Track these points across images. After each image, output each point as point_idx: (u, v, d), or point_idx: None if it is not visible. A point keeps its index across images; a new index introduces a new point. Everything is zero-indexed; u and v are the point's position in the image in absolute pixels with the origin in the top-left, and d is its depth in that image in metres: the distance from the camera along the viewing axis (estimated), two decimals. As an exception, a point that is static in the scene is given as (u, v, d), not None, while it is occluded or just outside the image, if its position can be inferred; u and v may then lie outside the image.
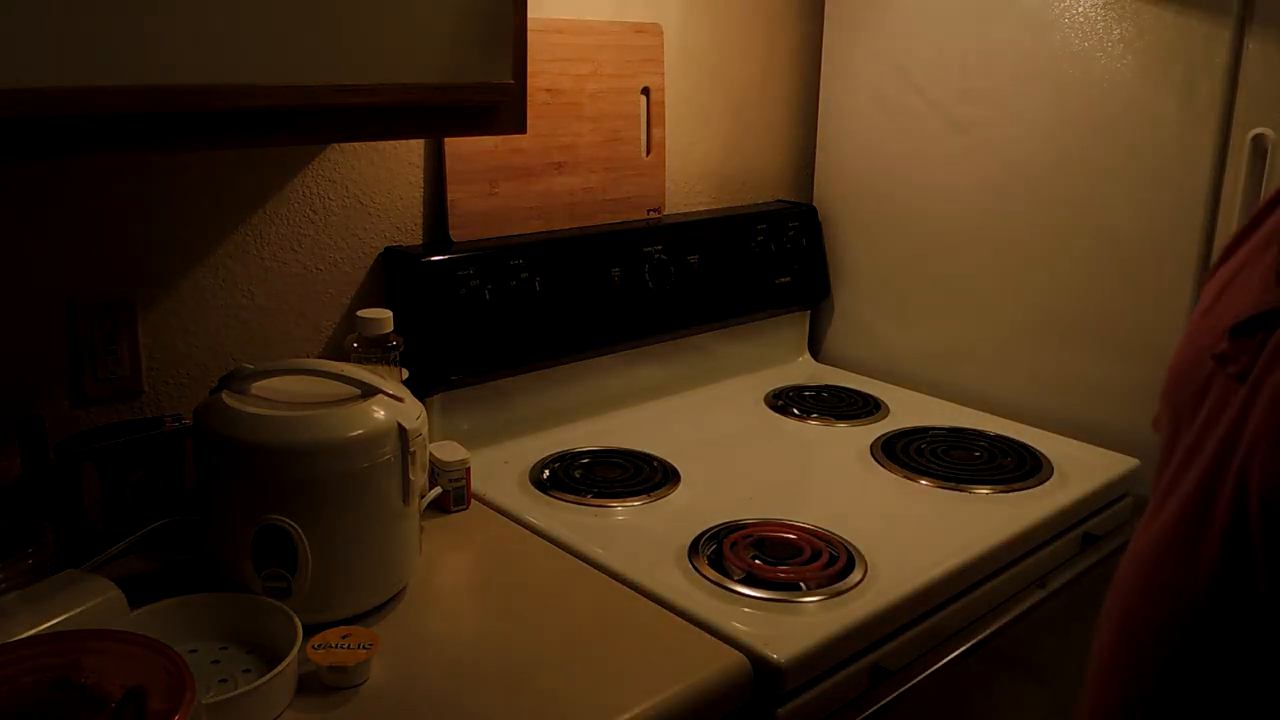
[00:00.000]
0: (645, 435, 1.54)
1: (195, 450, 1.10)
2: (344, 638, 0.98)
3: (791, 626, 1.07)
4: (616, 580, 1.15)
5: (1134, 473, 1.49)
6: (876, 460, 1.47)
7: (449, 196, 1.45)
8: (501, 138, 1.47)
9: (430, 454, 1.26)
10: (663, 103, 1.68)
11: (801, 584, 1.14)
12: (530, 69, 1.12)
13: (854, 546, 1.22)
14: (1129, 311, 1.51)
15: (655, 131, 1.68)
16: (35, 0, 0.80)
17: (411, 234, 1.46)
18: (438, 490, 1.29)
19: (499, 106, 1.10)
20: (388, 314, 1.26)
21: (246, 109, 0.93)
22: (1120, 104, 1.47)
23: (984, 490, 1.40)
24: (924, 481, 1.42)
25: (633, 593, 1.13)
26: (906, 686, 1.15)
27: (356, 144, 1.37)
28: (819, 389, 1.78)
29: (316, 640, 0.97)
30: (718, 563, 1.17)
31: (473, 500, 1.33)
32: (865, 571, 1.17)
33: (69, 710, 0.72)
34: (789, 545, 1.21)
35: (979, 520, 1.32)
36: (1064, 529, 1.39)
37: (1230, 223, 1.41)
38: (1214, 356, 0.62)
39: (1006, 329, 1.66)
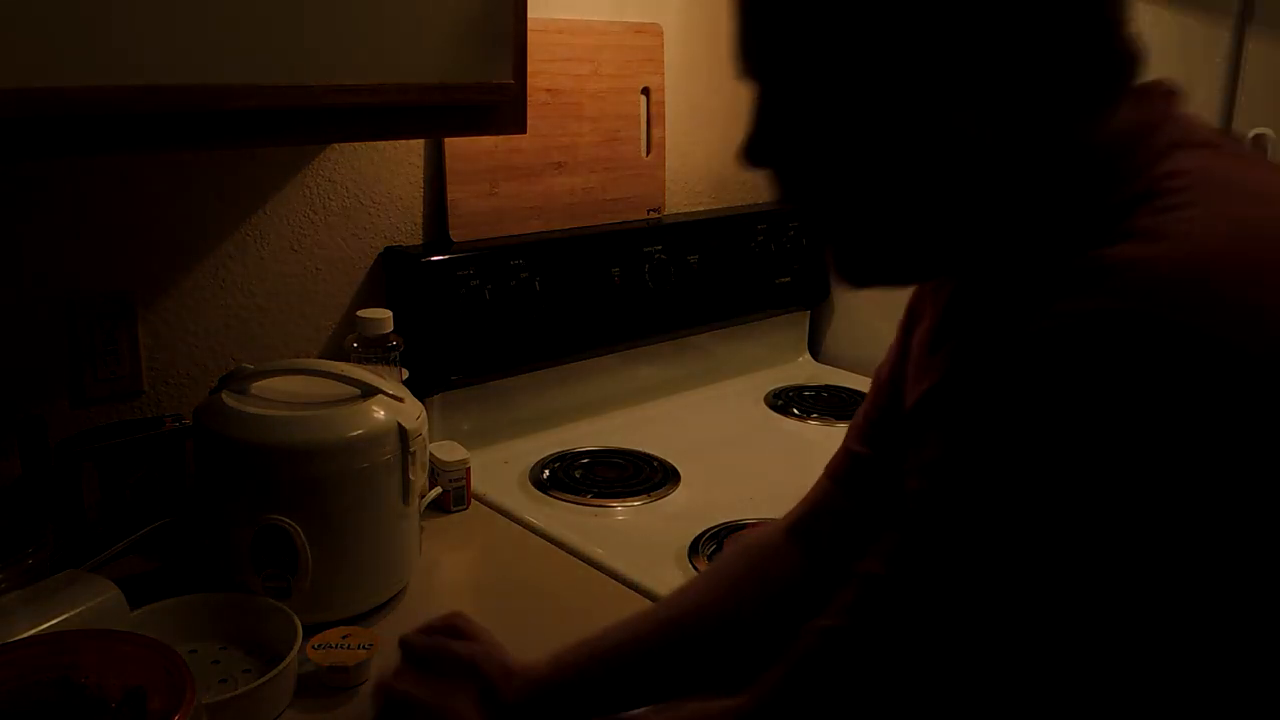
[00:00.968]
0: (645, 435, 1.54)
1: (195, 450, 1.10)
2: (344, 638, 0.98)
3: (791, 626, 1.07)
4: (616, 580, 1.15)
5: (1134, 473, 1.49)
6: (876, 460, 1.47)
7: (449, 196, 1.45)
8: (501, 138, 1.46)
9: (430, 454, 1.26)
10: (663, 103, 1.68)
11: (801, 584, 1.14)
12: (530, 69, 1.12)
13: (854, 546, 1.22)
14: (1129, 311, 1.51)
15: (655, 131, 1.68)
16: (35, 0, 0.80)
17: (411, 234, 1.46)
18: (438, 490, 1.29)
19: (499, 106, 1.10)
20: (388, 314, 1.26)
21: (246, 109, 0.93)
22: (1120, 104, 1.47)
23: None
24: (924, 481, 1.42)
25: (633, 593, 1.13)
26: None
27: (356, 144, 1.37)
28: (819, 389, 1.78)
29: (316, 640, 0.97)
30: (718, 563, 1.17)
31: (473, 500, 1.33)
32: (865, 571, 1.17)
33: (69, 710, 0.72)
34: (789, 545, 1.21)
35: (979, 520, 1.31)
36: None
37: (1230, 223, 1.41)
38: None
39: (1006, 329, 1.66)
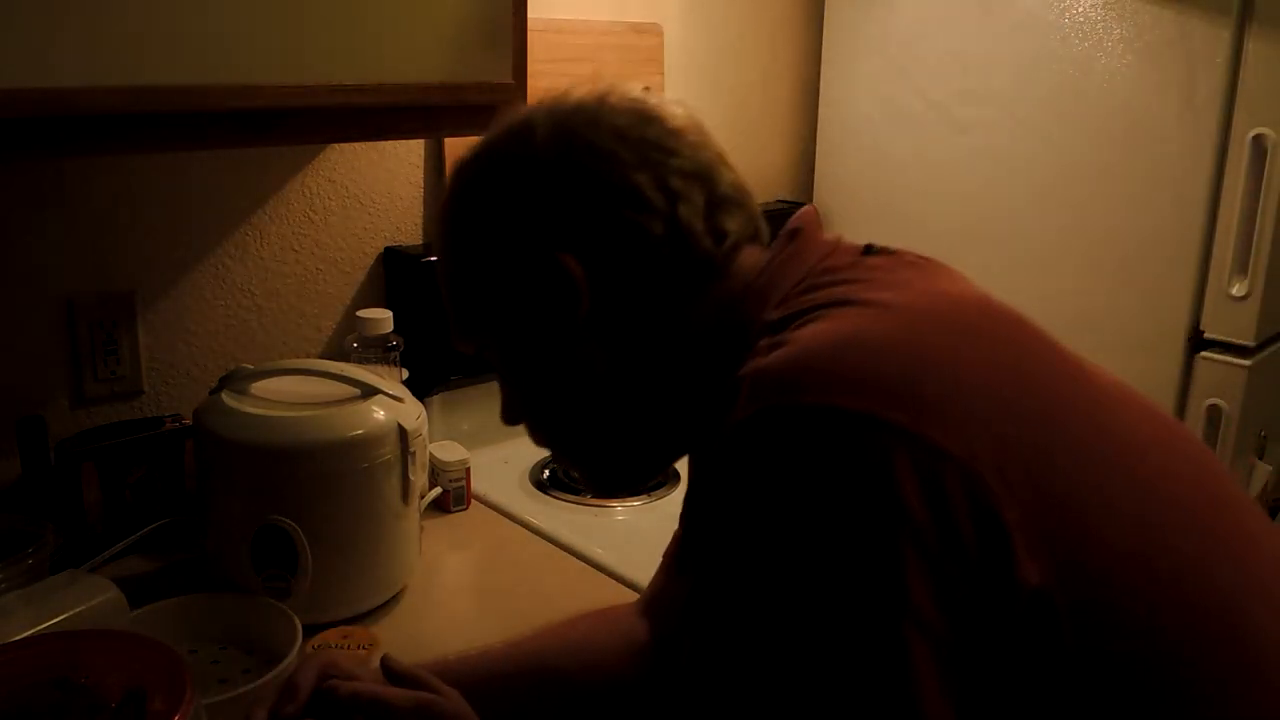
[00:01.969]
0: (645, 435, 1.54)
1: (195, 450, 1.10)
2: (344, 638, 0.98)
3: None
4: (616, 580, 1.15)
5: (1134, 473, 1.49)
6: (876, 460, 1.47)
7: (449, 196, 1.45)
8: (501, 138, 1.46)
9: (430, 454, 1.26)
10: (663, 103, 1.68)
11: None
12: (530, 69, 1.12)
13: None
14: (1129, 311, 1.51)
15: (655, 131, 1.68)
16: (35, 1, 0.80)
17: (411, 234, 1.46)
18: (438, 490, 1.29)
19: (499, 106, 1.10)
20: (388, 314, 1.26)
21: (246, 109, 0.93)
22: (1120, 104, 1.47)
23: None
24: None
25: (633, 593, 1.13)
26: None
27: (356, 144, 1.37)
28: (819, 389, 1.77)
29: (316, 640, 0.97)
30: (718, 563, 1.17)
31: (473, 500, 1.33)
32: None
33: (69, 710, 0.72)
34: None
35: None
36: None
37: (1230, 223, 1.41)
38: None
39: (1006, 329, 1.66)
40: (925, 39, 1.69)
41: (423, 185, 1.46)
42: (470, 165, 0.75)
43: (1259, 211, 1.39)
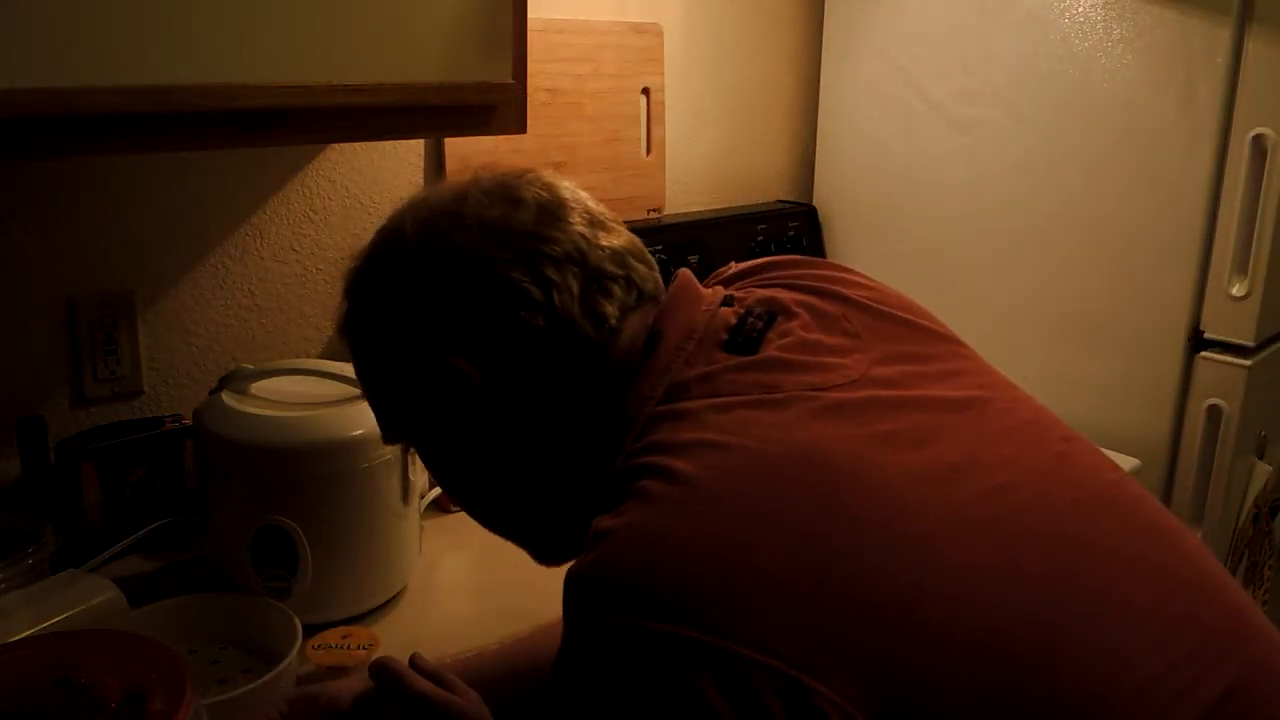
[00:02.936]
0: (645, 435, 1.54)
1: (195, 450, 1.10)
2: (344, 638, 0.98)
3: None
4: (616, 580, 1.15)
5: (1134, 473, 1.49)
6: (876, 460, 1.47)
7: (449, 196, 1.45)
8: (501, 138, 1.46)
9: (430, 454, 1.26)
10: (663, 103, 1.68)
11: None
12: (530, 69, 1.12)
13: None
14: (1129, 311, 1.51)
15: (655, 131, 1.68)
16: (35, 1, 0.80)
17: (411, 234, 1.46)
18: (437, 490, 1.29)
19: (499, 106, 1.10)
20: (388, 314, 1.26)
21: (246, 109, 0.93)
22: (1120, 104, 1.47)
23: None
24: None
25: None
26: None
27: (356, 144, 1.37)
28: (819, 389, 1.77)
29: (316, 640, 0.97)
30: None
31: (473, 500, 1.33)
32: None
33: (69, 710, 0.72)
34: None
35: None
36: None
37: (1230, 223, 1.41)
38: None
39: (1006, 329, 1.66)
40: (925, 39, 1.69)
41: (423, 185, 1.46)
42: (355, 276, 0.78)
43: (1259, 211, 1.39)
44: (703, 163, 1.81)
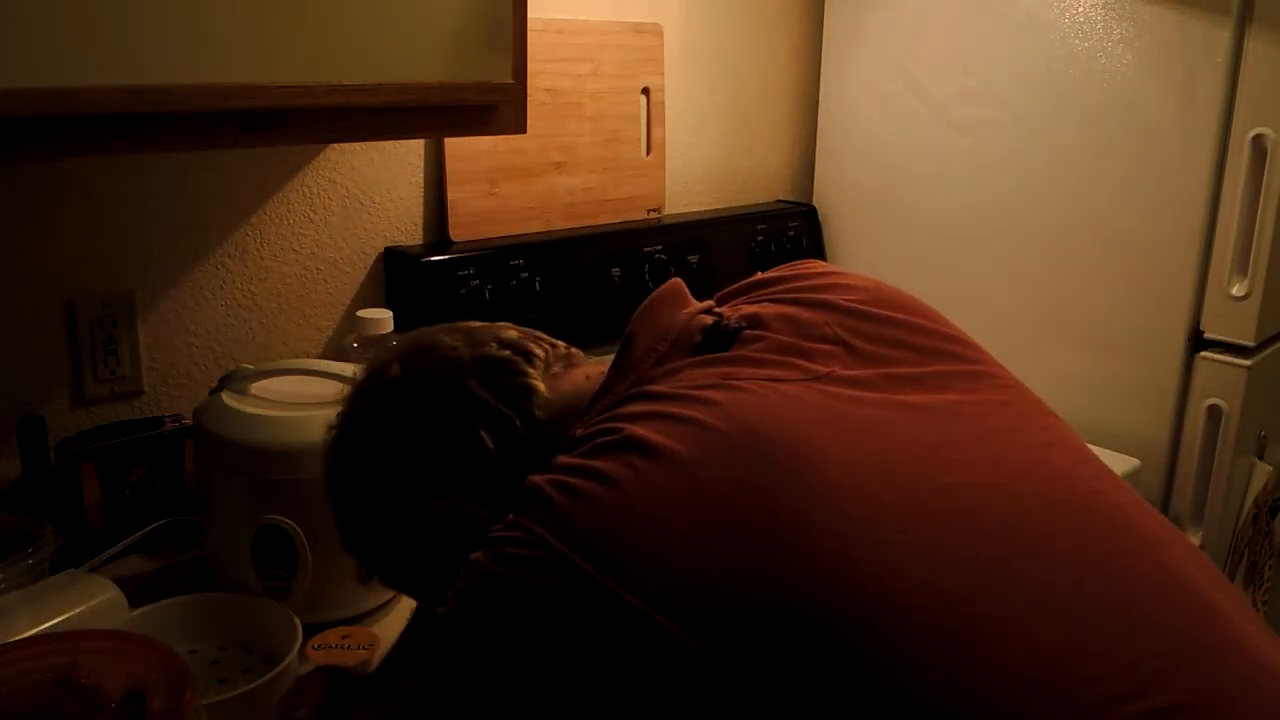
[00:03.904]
0: (645, 435, 1.54)
1: (195, 450, 1.10)
2: (344, 638, 0.98)
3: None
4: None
5: (1134, 473, 1.49)
6: (876, 460, 1.47)
7: (449, 196, 1.45)
8: (501, 138, 1.47)
9: (430, 454, 1.26)
10: (663, 103, 1.68)
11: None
12: (530, 69, 1.12)
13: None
14: (1129, 311, 1.51)
15: (655, 131, 1.68)
16: (35, 0, 0.80)
17: (411, 234, 1.46)
18: (438, 490, 1.29)
19: (499, 106, 1.10)
20: (388, 314, 1.26)
21: (246, 109, 0.93)
22: (1120, 104, 1.47)
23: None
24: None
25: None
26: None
27: (356, 144, 1.37)
28: (819, 389, 1.77)
29: (316, 640, 0.97)
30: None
31: (473, 500, 1.33)
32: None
33: (69, 710, 0.72)
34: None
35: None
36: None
37: (1230, 223, 1.41)
38: None
39: (1006, 328, 1.66)
40: (925, 39, 1.69)
41: (423, 185, 1.46)
42: (329, 461, 0.82)
43: (1259, 211, 1.39)
44: (703, 163, 1.81)
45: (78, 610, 0.93)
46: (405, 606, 1.10)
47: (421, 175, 1.45)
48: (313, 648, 0.96)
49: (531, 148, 1.52)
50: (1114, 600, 0.60)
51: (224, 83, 0.90)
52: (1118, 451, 1.52)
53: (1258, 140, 1.37)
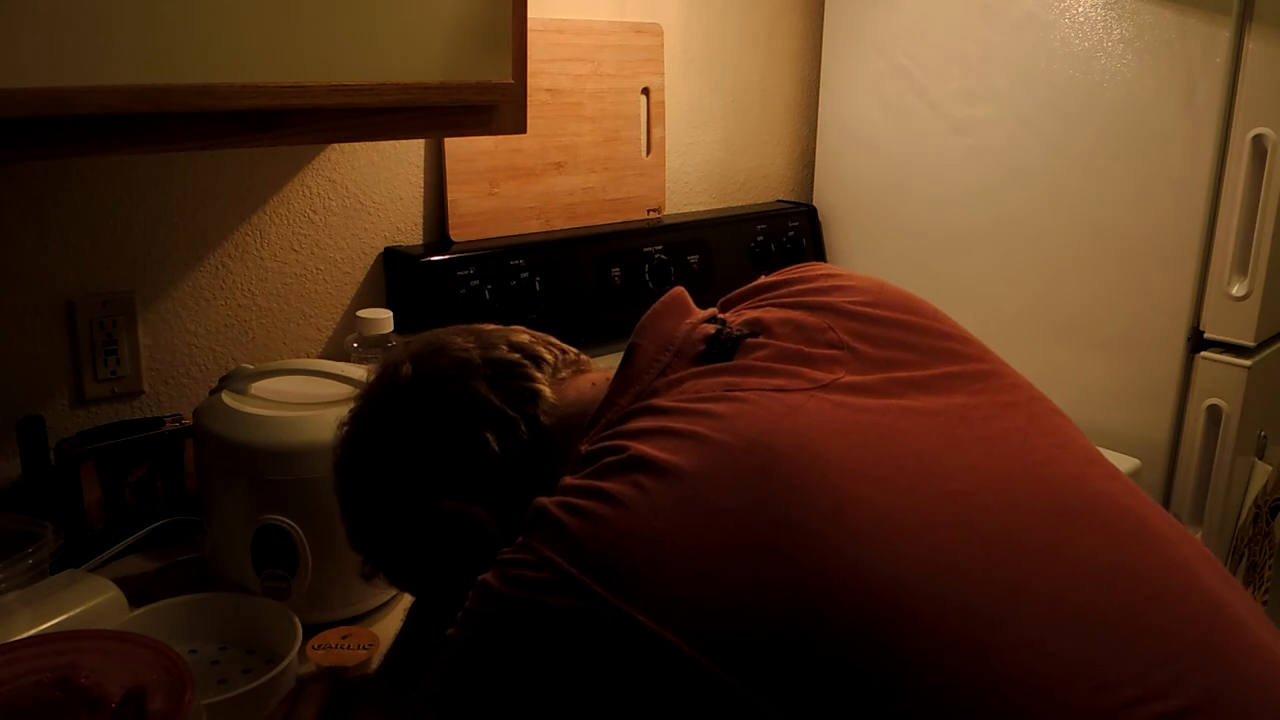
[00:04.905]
0: (645, 435, 1.54)
1: (195, 450, 1.10)
2: (344, 638, 0.98)
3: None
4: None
5: (1134, 473, 1.49)
6: (876, 460, 1.47)
7: (449, 196, 1.45)
8: (501, 138, 1.47)
9: (430, 454, 1.26)
10: (663, 103, 1.68)
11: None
12: (530, 69, 1.12)
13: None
14: (1129, 311, 1.51)
15: (655, 131, 1.68)
16: (35, 1, 0.80)
17: (411, 234, 1.46)
18: (438, 490, 1.29)
19: (499, 106, 1.10)
20: (388, 314, 1.26)
21: (246, 109, 0.93)
22: (1120, 104, 1.47)
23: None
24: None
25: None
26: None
27: (356, 144, 1.37)
28: (819, 389, 1.77)
29: (316, 640, 0.97)
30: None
31: (473, 500, 1.33)
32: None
33: (69, 710, 0.72)
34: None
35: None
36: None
37: (1230, 223, 1.41)
38: None
39: (1006, 328, 1.66)
40: (925, 39, 1.69)
41: (423, 185, 1.46)
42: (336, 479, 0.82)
43: (1259, 211, 1.39)
44: (703, 163, 1.81)
45: (78, 610, 0.93)
46: (405, 606, 1.10)
47: (421, 175, 1.45)
48: (313, 648, 0.96)
49: (531, 148, 1.51)
50: (1124, 605, 0.59)
51: (224, 83, 0.90)
52: (1118, 451, 1.52)
53: (1258, 140, 1.37)
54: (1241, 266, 1.42)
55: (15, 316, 1.16)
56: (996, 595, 0.57)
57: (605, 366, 0.79)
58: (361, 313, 1.27)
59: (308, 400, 1.05)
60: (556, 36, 1.52)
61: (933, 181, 1.72)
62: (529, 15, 1.08)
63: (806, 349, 0.70)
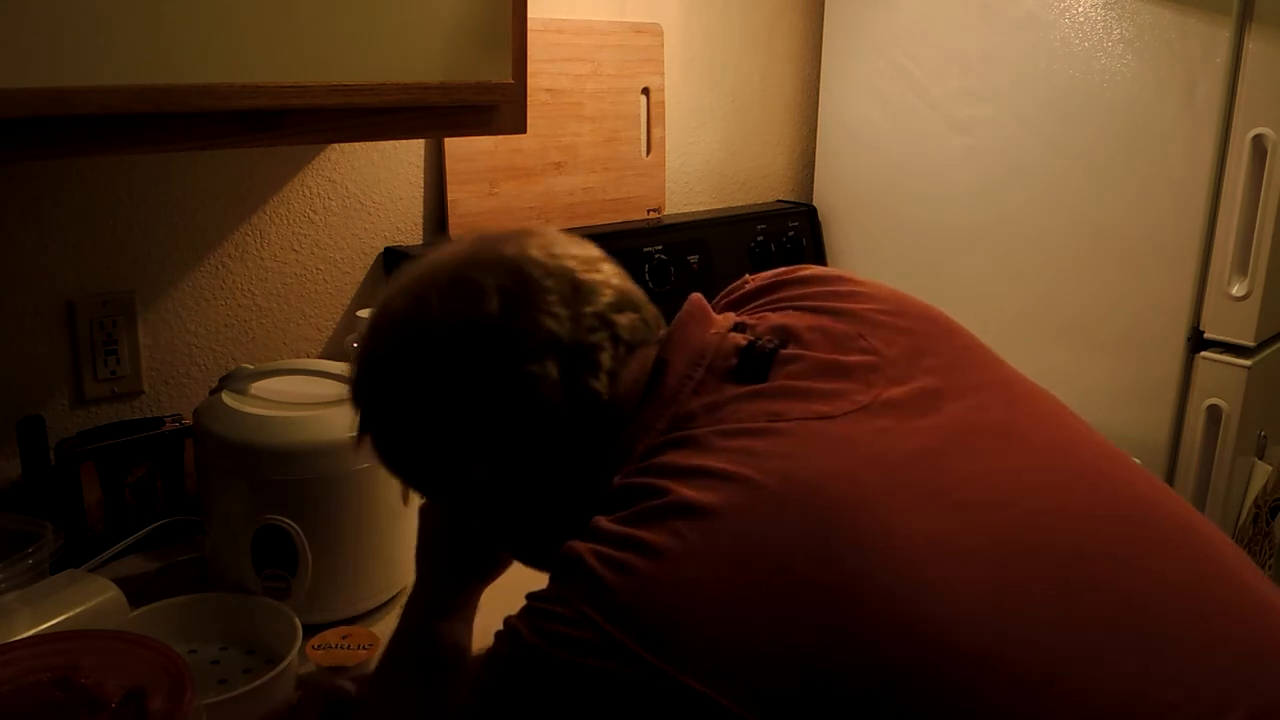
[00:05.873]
0: (645, 435, 1.54)
1: (195, 450, 1.10)
2: (344, 638, 0.98)
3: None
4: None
5: (1134, 473, 1.49)
6: (876, 460, 1.47)
7: (449, 196, 1.45)
8: (501, 138, 1.47)
9: (430, 454, 1.26)
10: (663, 103, 1.68)
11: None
12: (530, 69, 1.12)
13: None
14: (1129, 311, 1.51)
15: (655, 131, 1.68)
16: (35, 1, 0.80)
17: (411, 234, 1.46)
18: (438, 490, 1.29)
19: (499, 106, 1.10)
20: (388, 314, 1.25)
21: (246, 109, 0.93)
22: (1120, 104, 1.47)
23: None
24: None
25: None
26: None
27: (356, 144, 1.37)
28: (819, 389, 1.77)
29: (316, 640, 0.97)
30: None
31: (473, 500, 1.33)
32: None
33: (69, 710, 0.72)
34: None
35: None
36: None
37: (1230, 223, 1.41)
38: None
39: (1006, 329, 1.66)
40: (925, 39, 1.69)
41: (423, 185, 1.46)
42: (355, 407, 0.79)
43: (1259, 211, 1.39)
44: (703, 163, 1.81)
45: (78, 610, 0.93)
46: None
47: (421, 175, 1.45)
48: (313, 648, 0.96)
49: (531, 148, 1.51)
50: (1188, 620, 0.59)
51: (224, 83, 0.90)
52: (1118, 451, 1.52)
53: (1258, 140, 1.37)
54: (1241, 266, 1.42)
55: (15, 316, 1.16)
56: (1063, 622, 0.57)
57: (659, 340, 0.74)
58: (362, 313, 1.27)
59: (308, 400, 1.05)
60: (556, 36, 1.52)
61: (933, 181, 1.72)
62: (529, 15, 1.09)
63: (841, 358, 0.69)
